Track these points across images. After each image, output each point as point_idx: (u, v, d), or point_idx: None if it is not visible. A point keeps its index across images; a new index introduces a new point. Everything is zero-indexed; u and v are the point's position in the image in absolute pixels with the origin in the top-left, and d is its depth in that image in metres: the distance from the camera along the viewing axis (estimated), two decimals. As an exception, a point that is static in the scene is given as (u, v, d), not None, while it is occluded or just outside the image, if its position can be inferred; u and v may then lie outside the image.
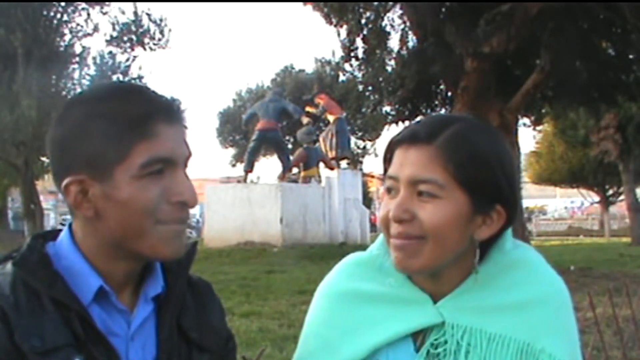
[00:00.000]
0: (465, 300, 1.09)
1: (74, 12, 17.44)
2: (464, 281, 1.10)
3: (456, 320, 1.09)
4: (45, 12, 16.82)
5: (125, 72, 17.94)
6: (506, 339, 1.06)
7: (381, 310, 1.13)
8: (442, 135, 1.05)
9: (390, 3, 11.68)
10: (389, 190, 1.09)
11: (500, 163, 1.06)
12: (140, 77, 18.16)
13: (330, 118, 16.51)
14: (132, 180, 0.94)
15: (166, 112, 0.97)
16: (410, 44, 12.08)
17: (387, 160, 1.11)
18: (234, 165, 32.16)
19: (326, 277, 1.24)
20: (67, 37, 17.71)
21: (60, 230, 1.03)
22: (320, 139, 16.60)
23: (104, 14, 17.62)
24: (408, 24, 11.32)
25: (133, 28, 17.68)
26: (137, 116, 0.94)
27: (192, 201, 0.98)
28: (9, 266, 0.96)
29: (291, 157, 16.19)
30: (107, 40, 17.74)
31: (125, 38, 17.76)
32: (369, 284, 1.16)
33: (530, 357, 1.06)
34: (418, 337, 1.11)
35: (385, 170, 1.11)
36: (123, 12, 17.80)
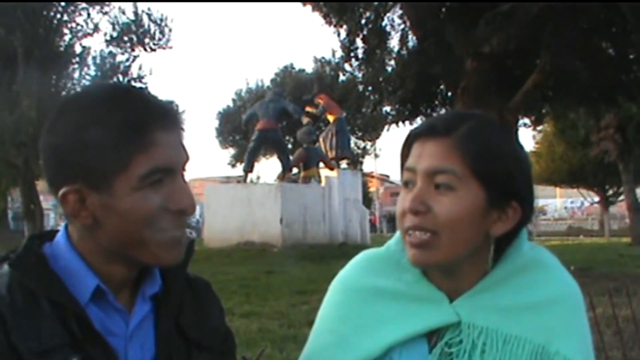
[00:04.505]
0: (481, 299, 1.09)
1: (74, 12, 17.45)
2: (480, 280, 1.10)
3: (472, 320, 1.08)
4: (45, 12, 16.82)
5: (125, 72, 17.94)
6: (522, 341, 1.06)
7: (397, 307, 1.11)
8: (460, 129, 1.05)
9: (390, 3, 11.67)
10: (406, 183, 1.09)
11: (517, 160, 1.07)
12: (140, 77, 18.16)
13: (330, 118, 16.50)
14: (132, 191, 0.93)
15: (163, 118, 0.95)
16: (410, 44, 12.09)
17: (405, 153, 1.11)
18: (233, 166, 32.18)
19: (341, 272, 1.22)
20: (67, 37, 17.74)
21: (58, 230, 1.03)
22: (320, 139, 16.58)
23: (104, 14, 17.65)
24: (408, 24, 11.32)
25: (133, 28, 17.69)
26: (134, 124, 0.92)
27: (190, 209, 0.97)
28: (5, 267, 0.96)
29: (291, 157, 16.17)
30: (107, 40, 17.77)
31: (125, 38, 17.77)
32: (385, 280, 1.15)
33: (544, 359, 1.06)
34: (432, 336, 1.10)
35: (402, 164, 1.11)
36: (123, 12, 17.83)
